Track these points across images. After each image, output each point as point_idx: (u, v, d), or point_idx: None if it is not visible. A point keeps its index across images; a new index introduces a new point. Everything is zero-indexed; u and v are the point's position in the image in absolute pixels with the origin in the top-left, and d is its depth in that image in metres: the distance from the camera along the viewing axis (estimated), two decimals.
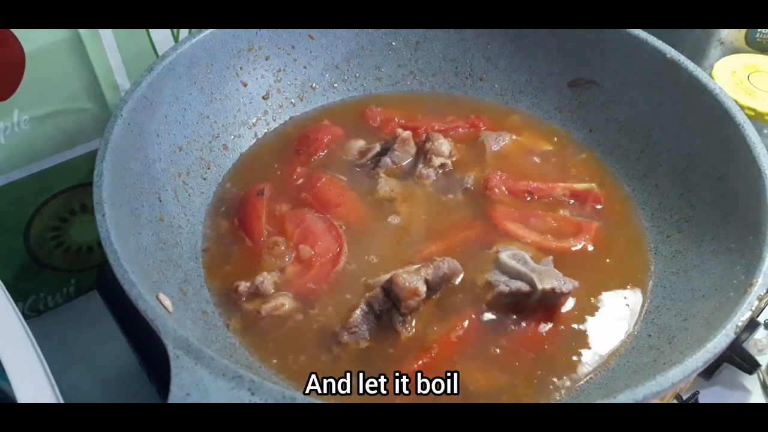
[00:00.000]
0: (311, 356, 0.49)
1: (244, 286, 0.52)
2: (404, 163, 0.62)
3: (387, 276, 0.51)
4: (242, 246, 0.56)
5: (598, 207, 0.60)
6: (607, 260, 0.56)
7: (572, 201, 0.60)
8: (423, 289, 0.50)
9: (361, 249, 0.55)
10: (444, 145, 0.62)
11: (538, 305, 0.51)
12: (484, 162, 0.63)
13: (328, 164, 0.63)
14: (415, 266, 0.52)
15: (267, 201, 0.58)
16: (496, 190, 0.60)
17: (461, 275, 0.53)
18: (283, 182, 0.61)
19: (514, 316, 0.51)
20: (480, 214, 0.58)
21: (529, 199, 0.60)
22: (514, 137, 0.66)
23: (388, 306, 0.50)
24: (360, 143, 0.64)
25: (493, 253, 0.55)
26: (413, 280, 0.49)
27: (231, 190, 0.61)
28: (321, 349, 0.49)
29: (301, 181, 0.61)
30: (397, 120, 0.67)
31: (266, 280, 0.52)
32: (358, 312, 0.49)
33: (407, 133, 0.63)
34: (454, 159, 0.63)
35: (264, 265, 0.54)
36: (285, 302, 0.52)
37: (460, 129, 0.66)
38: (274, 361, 0.49)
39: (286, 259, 0.54)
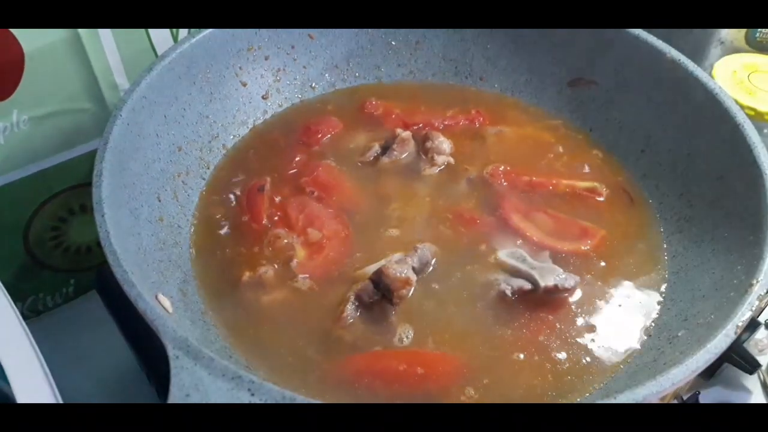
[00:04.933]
0: (305, 353, 0.49)
1: (247, 276, 0.52)
2: (403, 157, 0.62)
3: (373, 267, 0.51)
4: (243, 242, 0.56)
5: (600, 199, 0.60)
6: (606, 260, 0.56)
7: (575, 197, 0.60)
8: (414, 277, 0.51)
9: (364, 238, 0.56)
10: (444, 143, 0.62)
11: (540, 300, 0.51)
12: (486, 156, 0.63)
13: (328, 154, 0.63)
14: (398, 255, 0.52)
15: (268, 193, 0.58)
16: (499, 184, 0.60)
17: (435, 259, 0.54)
18: (283, 172, 0.61)
19: (515, 312, 0.51)
20: (483, 209, 0.58)
21: (531, 193, 0.60)
22: (515, 131, 0.66)
23: (378, 297, 0.50)
24: (360, 139, 0.64)
25: (492, 250, 0.55)
26: (403, 270, 0.50)
27: (231, 185, 0.60)
28: (316, 344, 0.49)
29: (300, 168, 0.61)
30: (397, 113, 0.67)
31: (269, 270, 0.52)
32: (349, 306, 0.50)
33: (407, 134, 0.63)
34: (454, 154, 0.63)
35: (266, 259, 0.54)
36: (285, 293, 0.52)
37: (460, 123, 0.66)
38: (268, 358, 0.49)
39: (293, 249, 0.54)
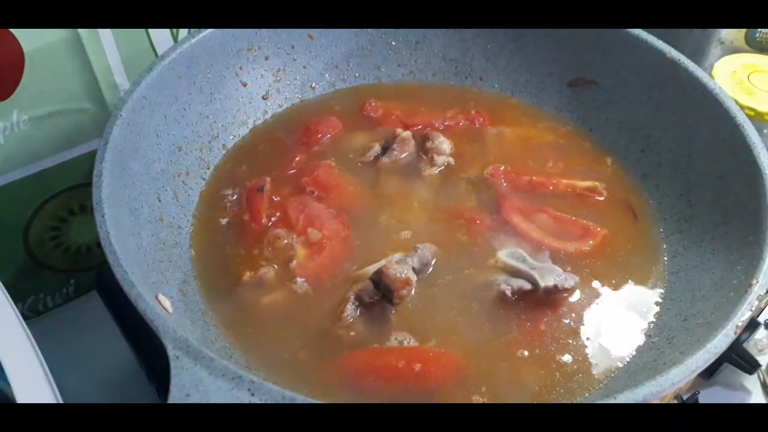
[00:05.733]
0: (305, 352, 0.49)
1: (248, 276, 0.52)
2: (403, 157, 0.62)
3: (373, 267, 0.51)
4: (243, 242, 0.56)
5: (600, 198, 0.60)
6: (606, 260, 0.56)
7: (575, 197, 0.60)
8: (414, 278, 0.51)
9: (364, 238, 0.56)
10: (444, 143, 0.62)
11: (539, 300, 0.51)
12: (486, 157, 0.63)
13: (328, 154, 0.63)
14: (398, 255, 0.52)
15: (268, 192, 0.58)
16: (500, 184, 0.60)
17: (434, 259, 0.54)
18: (283, 172, 0.61)
19: (515, 312, 0.51)
20: (484, 209, 0.58)
21: (531, 193, 0.60)
22: (515, 131, 0.66)
23: (378, 297, 0.50)
24: (360, 139, 0.64)
25: (492, 250, 0.55)
26: (403, 270, 0.50)
27: (231, 185, 0.60)
28: (316, 344, 0.49)
29: (300, 168, 0.61)
30: (396, 114, 0.67)
31: (270, 271, 0.53)
32: (349, 306, 0.50)
33: (407, 134, 0.63)
34: (454, 154, 0.63)
35: (266, 260, 0.54)
36: (285, 293, 0.52)
37: (460, 124, 0.66)
38: (268, 357, 0.49)
39: (293, 249, 0.54)
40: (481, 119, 0.67)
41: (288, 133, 0.65)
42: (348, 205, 0.58)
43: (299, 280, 0.52)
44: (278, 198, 0.58)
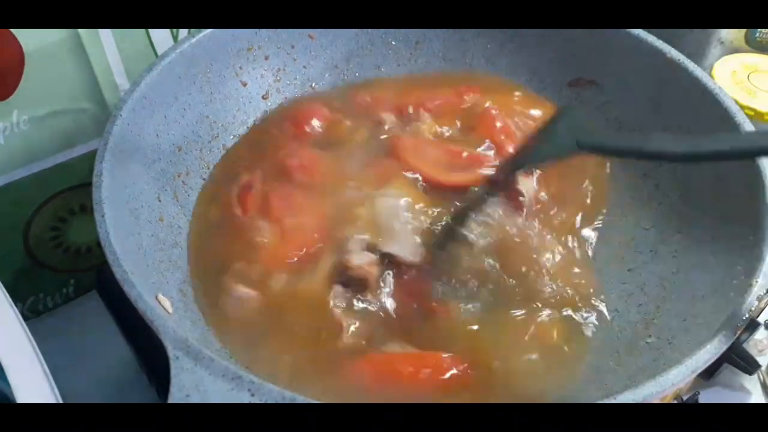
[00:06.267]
0: (303, 353, 0.49)
1: (239, 274, 0.52)
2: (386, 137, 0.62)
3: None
4: (238, 241, 0.55)
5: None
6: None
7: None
8: (374, 259, 0.50)
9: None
10: (428, 119, 0.62)
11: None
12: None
13: (316, 143, 0.62)
14: (353, 243, 0.52)
15: (257, 186, 0.58)
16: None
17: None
18: (271, 162, 0.60)
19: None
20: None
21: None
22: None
23: (358, 293, 0.50)
24: (347, 126, 0.63)
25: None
26: (361, 258, 0.50)
27: (229, 185, 0.60)
28: (314, 344, 0.49)
29: (286, 157, 0.60)
30: (387, 101, 0.66)
31: (261, 268, 0.52)
32: (340, 313, 0.49)
33: (392, 118, 0.63)
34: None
35: (258, 257, 0.53)
36: (270, 290, 0.51)
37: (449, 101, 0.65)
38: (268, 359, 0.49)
39: (284, 245, 0.53)
40: (471, 93, 0.66)
41: (278, 123, 0.64)
42: (332, 190, 0.57)
43: (283, 275, 0.52)
44: (265, 190, 0.57)
